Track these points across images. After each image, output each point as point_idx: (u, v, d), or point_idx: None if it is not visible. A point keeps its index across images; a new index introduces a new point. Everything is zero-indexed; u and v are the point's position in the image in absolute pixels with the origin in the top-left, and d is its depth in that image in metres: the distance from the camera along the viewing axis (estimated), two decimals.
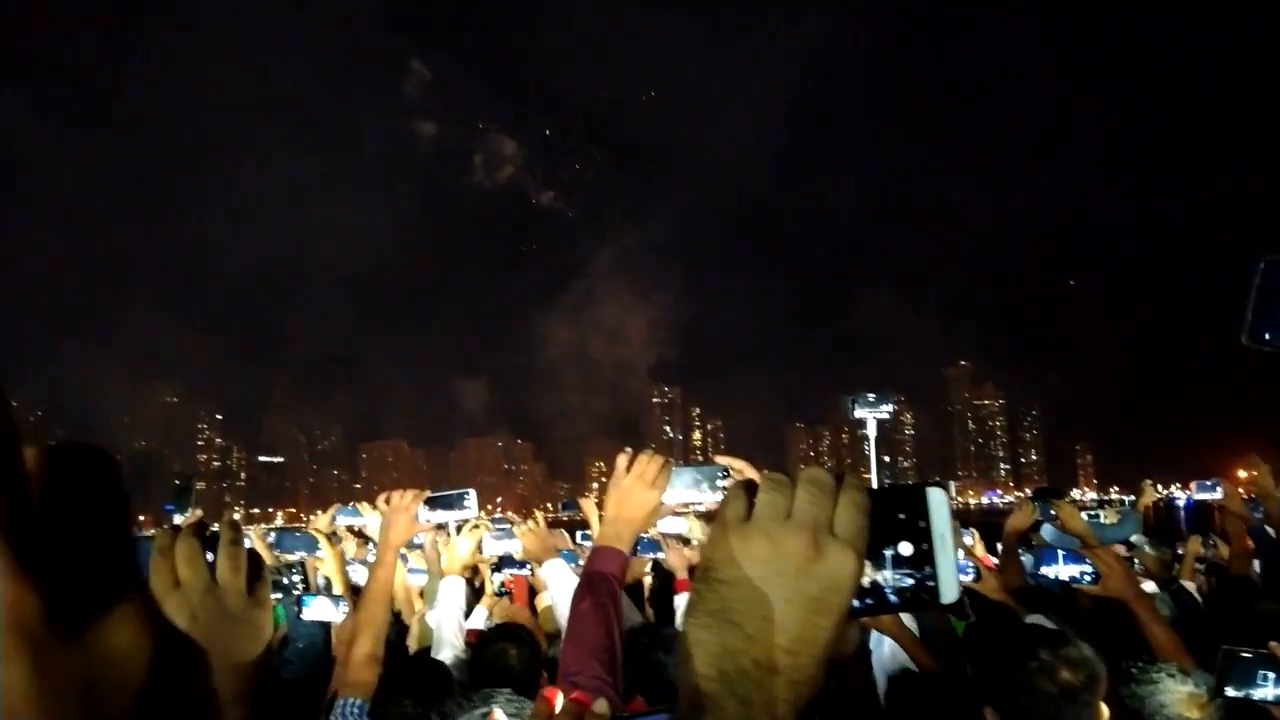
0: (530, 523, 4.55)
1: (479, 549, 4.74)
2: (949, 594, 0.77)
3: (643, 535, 6.93)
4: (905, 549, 0.77)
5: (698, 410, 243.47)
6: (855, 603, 0.75)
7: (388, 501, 3.16)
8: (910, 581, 0.77)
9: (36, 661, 0.52)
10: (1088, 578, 3.27)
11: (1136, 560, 6.07)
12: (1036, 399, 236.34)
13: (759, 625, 0.71)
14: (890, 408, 4.94)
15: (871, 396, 4.93)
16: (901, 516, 0.78)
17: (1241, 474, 5.66)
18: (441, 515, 3.25)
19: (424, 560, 5.81)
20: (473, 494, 3.34)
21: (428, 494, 3.23)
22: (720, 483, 2.22)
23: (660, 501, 2.28)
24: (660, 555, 5.68)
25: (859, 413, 4.93)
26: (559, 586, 4.10)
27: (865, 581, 0.75)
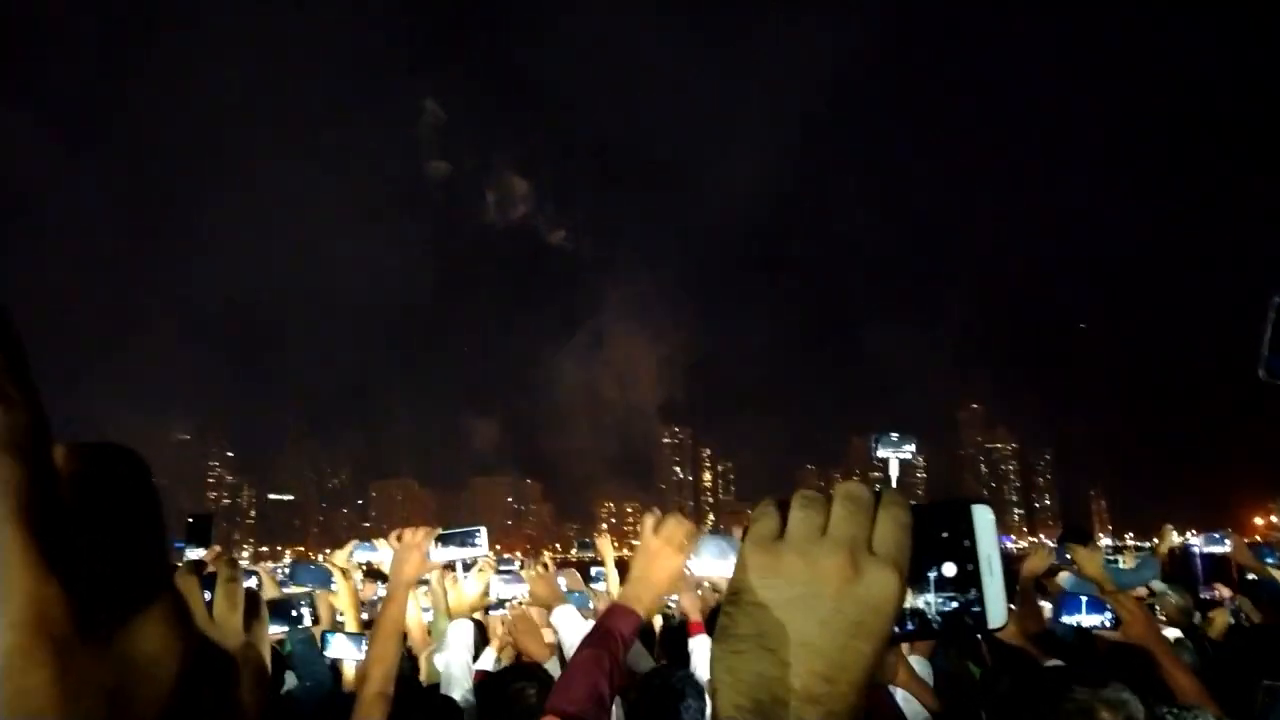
0: (539, 567, 4.52)
1: (487, 591, 4.70)
2: (997, 619, 0.72)
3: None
4: (949, 570, 0.73)
5: (708, 451, 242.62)
6: (896, 627, 0.70)
7: (399, 539, 3.15)
8: (955, 605, 0.73)
9: (63, 663, 0.51)
10: (1107, 624, 3.22)
11: (1157, 607, 5.98)
12: (1050, 443, 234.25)
13: (795, 651, 0.66)
14: (913, 448, 4.89)
15: (895, 436, 4.88)
16: (945, 535, 0.74)
17: (1259, 520, 5.60)
18: (453, 553, 3.26)
19: (430, 598, 5.79)
20: (483, 532, 3.37)
21: (439, 531, 3.23)
22: None
23: (686, 568, 2.28)
24: (672, 599, 5.62)
25: (882, 452, 4.88)
26: (569, 634, 4.06)
27: (907, 605, 0.71)
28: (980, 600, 0.72)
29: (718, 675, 0.69)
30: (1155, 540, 7.24)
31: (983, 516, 0.74)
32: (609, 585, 6.35)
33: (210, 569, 1.12)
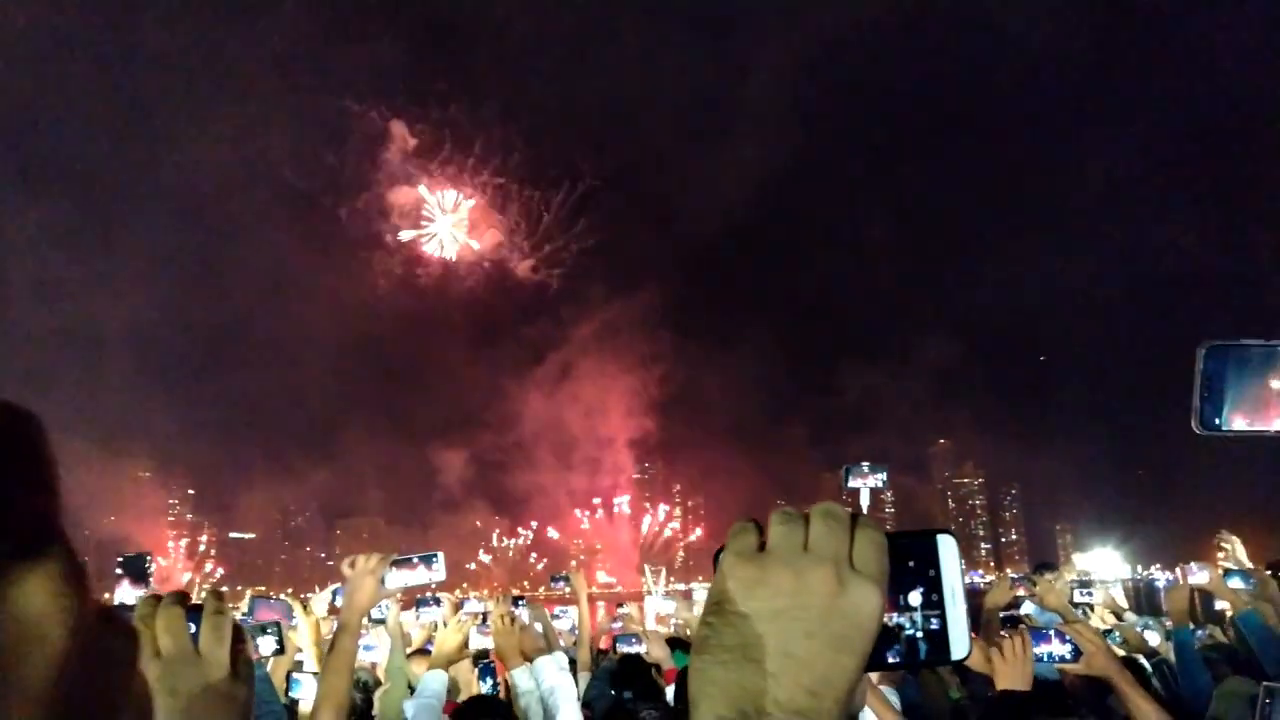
0: (503, 618, 4.34)
1: (466, 643, 4.58)
2: (960, 649, 0.73)
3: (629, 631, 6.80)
4: (915, 598, 0.74)
5: (678, 486, 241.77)
6: (873, 654, 0.69)
7: (353, 565, 3.00)
8: (921, 633, 0.73)
9: None
10: (1068, 656, 3.26)
11: (1118, 634, 6.07)
12: (1016, 478, 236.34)
13: (780, 663, 0.65)
14: (884, 476, 5.05)
15: (866, 466, 5.06)
16: (911, 564, 0.74)
17: (1222, 550, 5.70)
18: (409, 577, 3.10)
19: (386, 634, 5.67)
20: (440, 557, 3.22)
21: (394, 557, 3.09)
22: None
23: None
24: (641, 649, 5.53)
25: (853, 482, 5.04)
26: (525, 696, 3.95)
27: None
28: (945, 629, 0.73)
29: (698, 686, 0.68)
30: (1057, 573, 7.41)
31: (947, 546, 0.75)
32: (581, 620, 6.30)
33: (197, 601, 1.12)
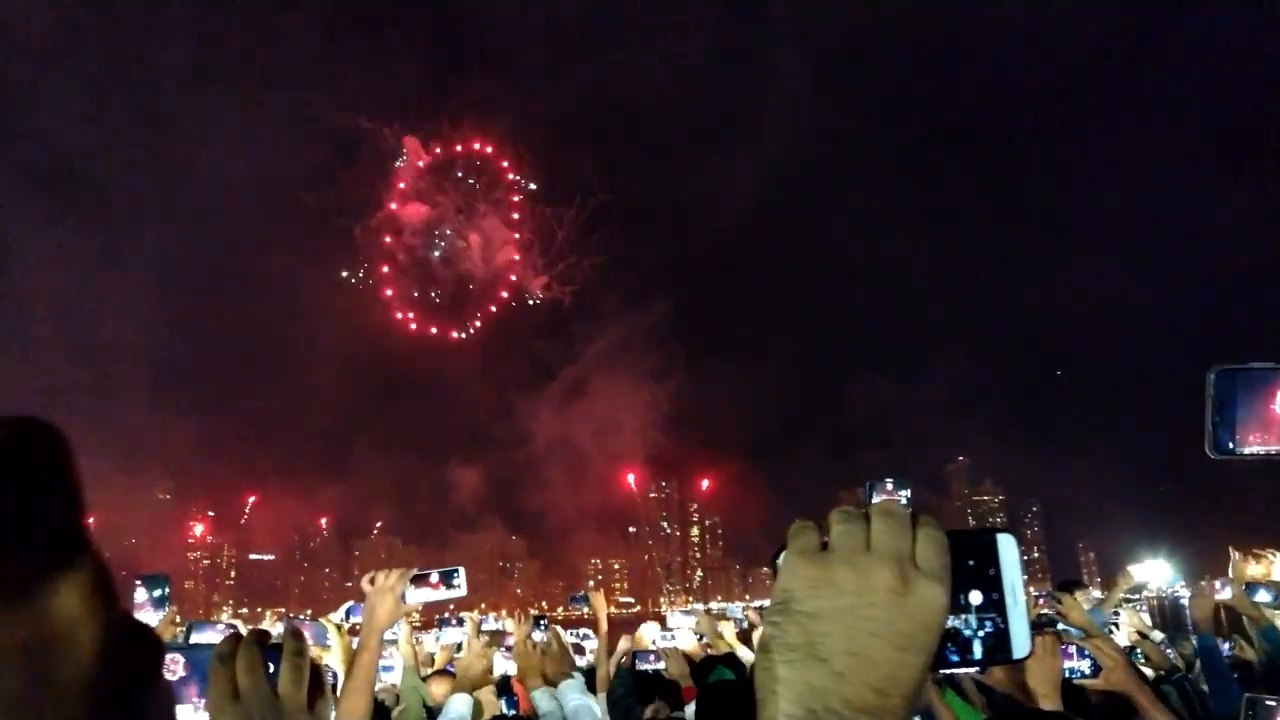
0: (526, 639, 4.35)
1: (492, 668, 4.55)
2: (1021, 648, 0.73)
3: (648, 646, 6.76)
4: (976, 598, 0.74)
5: (695, 505, 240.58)
6: (939, 656, 0.70)
7: (372, 582, 2.97)
8: (982, 633, 0.74)
9: None
10: (1087, 671, 3.25)
11: (1140, 651, 6.01)
12: (1036, 494, 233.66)
13: (847, 661, 0.66)
14: (908, 493, 4.94)
15: (890, 484, 4.94)
16: (971, 564, 0.74)
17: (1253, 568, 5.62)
18: (430, 594, 3.07)
19: (400, 655, 5.66)
20: (462, 572, 3.18)
21: (414, 572, 3.07)
22: None
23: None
24: (660, 666, 5.52)
25: (876, 499, 4.97)
26: (547, 717, 3.91)
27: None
28: (1006, 629, 0.73)
29: (765, 684, 0.68)
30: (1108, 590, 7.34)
31: (1008, 546, 0.76)
32: (600, 639, 6.29)
33: (275, 640, 1.10)
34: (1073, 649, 3.37)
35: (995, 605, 0.74)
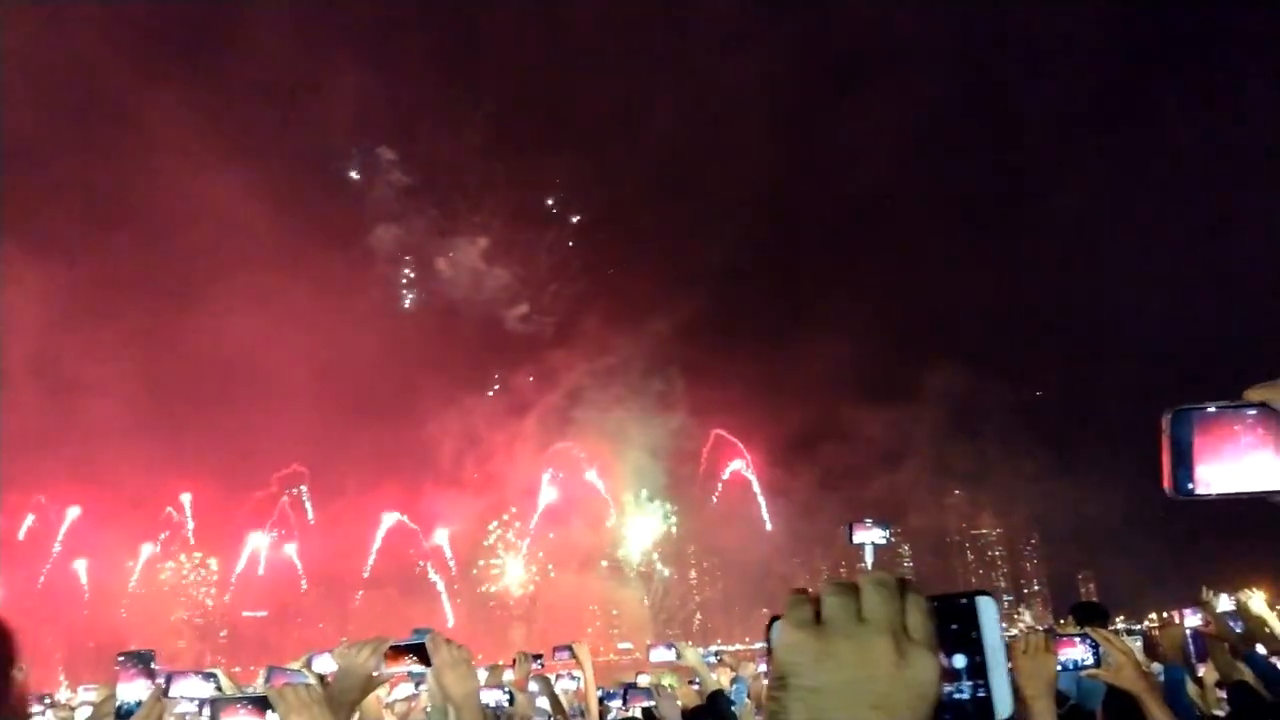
0: (524, 675, 4.23)
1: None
2: (1004, 709, 0.76)
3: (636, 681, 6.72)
4: (959, 661, 0.77)
5: (692, 547, 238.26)
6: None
7: (348, 650, 2.88)
8: (965, 695, 0.76)
9: None
10: (1089, 660, 3.20)
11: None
12: (1035, 527, 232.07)
13: None
14: (886, 533, 5.01)
15: (869, 522, 5.02)
16: (954, 628, 0.77)
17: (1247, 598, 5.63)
18: (404, 666, 2.92)
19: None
20: (429, 638, 2.95)
21: (390, 643, 2.93)
22: None
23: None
24: (651, 703, 5.47)
25: (857, 538, 5.02)
26: None
27: None
28: (988, 691, 0.76)
29: None
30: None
31: (987, 608, 0.79)
32: (588, 689, 6.22)
33: (263, 692, 1.07)
34: (1075, 638, 3.33)
35: (978, 669, 0.77)
